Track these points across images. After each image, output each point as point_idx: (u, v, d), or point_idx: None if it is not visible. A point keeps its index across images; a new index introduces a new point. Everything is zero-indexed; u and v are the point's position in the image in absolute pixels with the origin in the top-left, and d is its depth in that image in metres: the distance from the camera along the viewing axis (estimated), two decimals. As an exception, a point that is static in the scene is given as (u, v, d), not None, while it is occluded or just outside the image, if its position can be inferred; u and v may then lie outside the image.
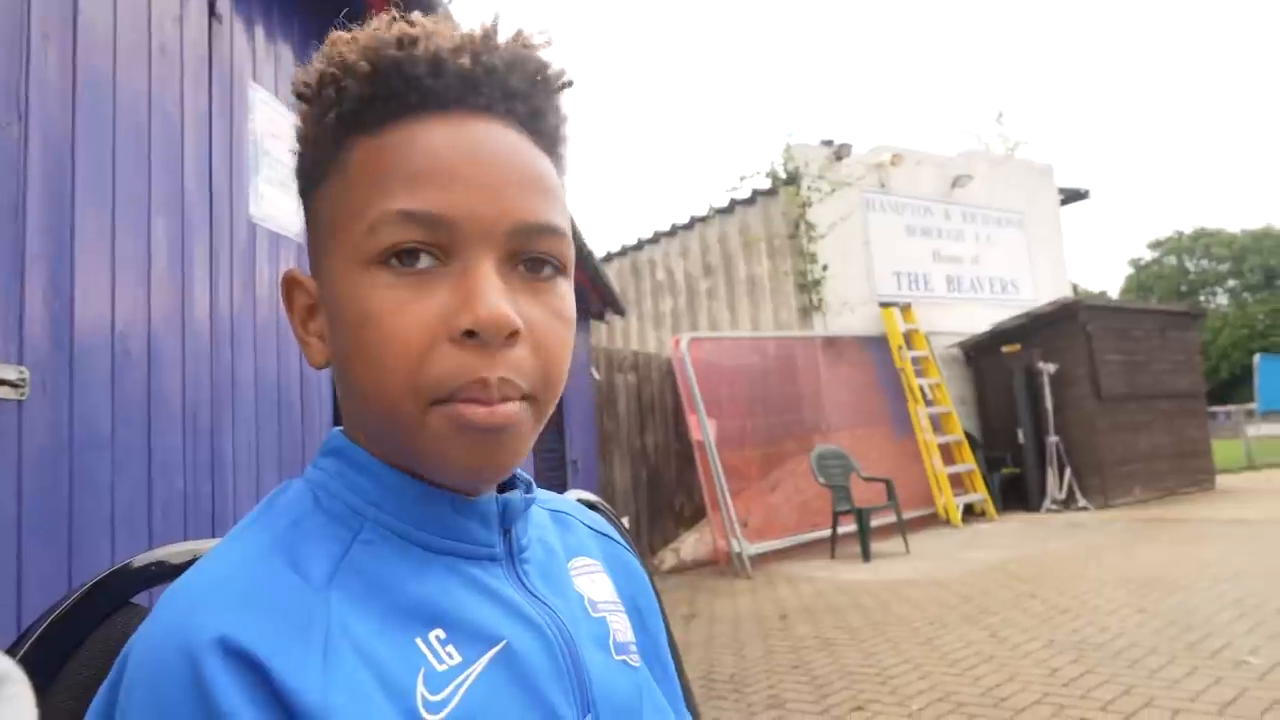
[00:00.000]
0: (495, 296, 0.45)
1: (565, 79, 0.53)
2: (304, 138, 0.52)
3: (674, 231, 10.80)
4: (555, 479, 5.85)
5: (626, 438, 7.62)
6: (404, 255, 0.46)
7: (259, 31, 2.60)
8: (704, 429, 7.16)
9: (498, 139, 0.48)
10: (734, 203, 9.90)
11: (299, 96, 0.51)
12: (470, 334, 0.45)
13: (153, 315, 1.92)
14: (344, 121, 0.49)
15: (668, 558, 7.34)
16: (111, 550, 1.67)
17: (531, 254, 0.48)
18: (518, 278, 0.48)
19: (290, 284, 0.54)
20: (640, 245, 11.40)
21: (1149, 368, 9.68)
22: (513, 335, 0.46)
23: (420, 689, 0.44)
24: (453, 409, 0.45)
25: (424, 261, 0.46)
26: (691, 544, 7.51)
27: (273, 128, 2.60)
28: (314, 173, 0.51)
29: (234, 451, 2.21)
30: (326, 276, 0.50)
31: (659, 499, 7.86)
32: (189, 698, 0.39)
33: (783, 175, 9.32)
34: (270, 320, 2.46)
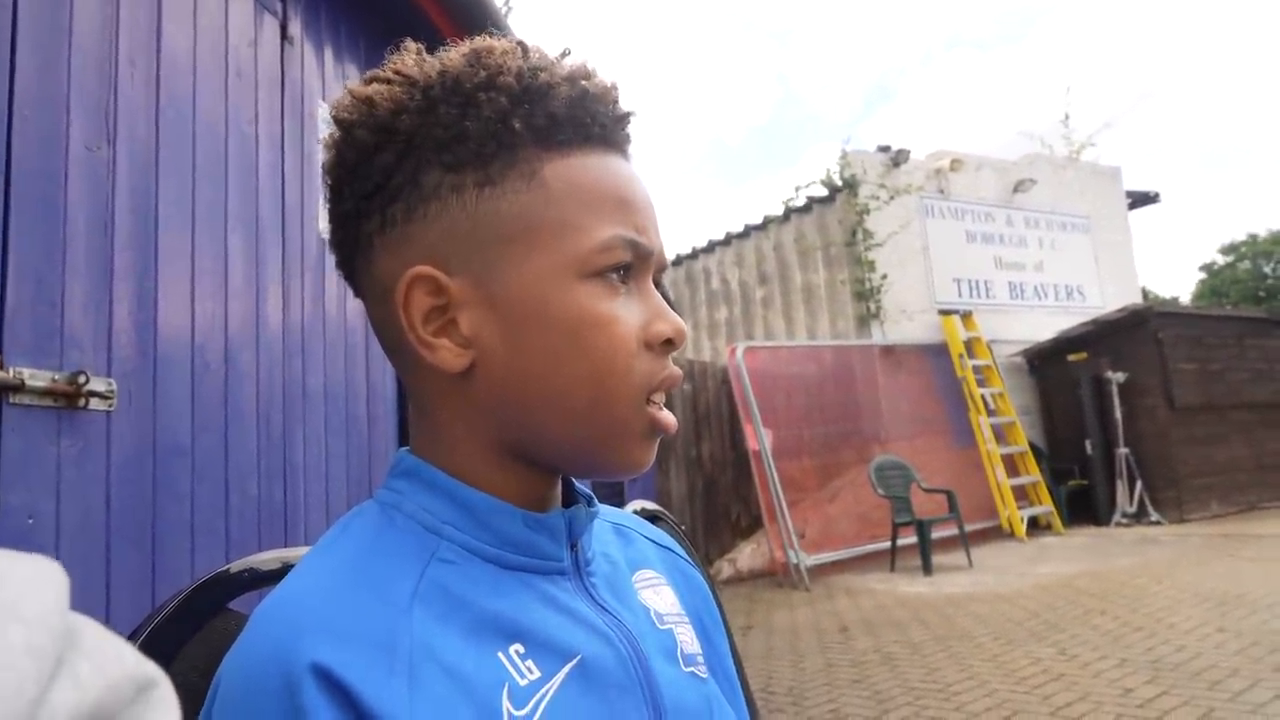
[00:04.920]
0: (677, 315, 0.54)
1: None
2: (457, 133, 0.50)
3: (729, 240, 10.78)
4: (612, 489, 5.87)
5: (682, 447, 7.61)
6: (614, 272, 0.52)
7: (328, 53, 2.68)
8: (760, 438, 7.11)
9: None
10: (789, 211, 9.84)
11: (432, 89, 0.50)
12: (668, 342, 0.53)
13: (229, 328, 1.99)
14: (533, 134, 0.50)
15: (724, 568, 7.30)
16: (191, 554, 1.73)
17: (659, 283, 0.56)
18: None
19: (414, 281, 0.50)
20: (695, 254, 11.40)
21: (1226, 377, 9.30)
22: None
23: (505, 703, 0.45)
24: (654, 413, 0.52)
25: (619, 280, 0.52)
26: (748, 554, 7.45)
27: (341, 145, 2.68)
28: (466, 169, 0.50)
29: (305, 459, 2.27)
30: (511, 281, 0.50)
31: (715, 509, 7.83)
32: None
33: (839, 183, 9.23)
34: (339, 333, 2.53)
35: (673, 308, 0.55)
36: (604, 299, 0.50)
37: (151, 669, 0.25)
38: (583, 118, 0.51)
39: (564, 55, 0.54)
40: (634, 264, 0.52)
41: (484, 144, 0.50)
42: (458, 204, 0.50)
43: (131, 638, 0.57)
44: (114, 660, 0.23)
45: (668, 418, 0.53)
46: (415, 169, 0.50)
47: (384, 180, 0.50)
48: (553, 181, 0.50)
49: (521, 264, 0.50)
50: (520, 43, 0.53)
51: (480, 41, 0.52)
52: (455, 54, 0.52)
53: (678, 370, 0.54)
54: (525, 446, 0.52)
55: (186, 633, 0.60)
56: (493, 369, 0.50)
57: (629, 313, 0.51)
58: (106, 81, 1.64)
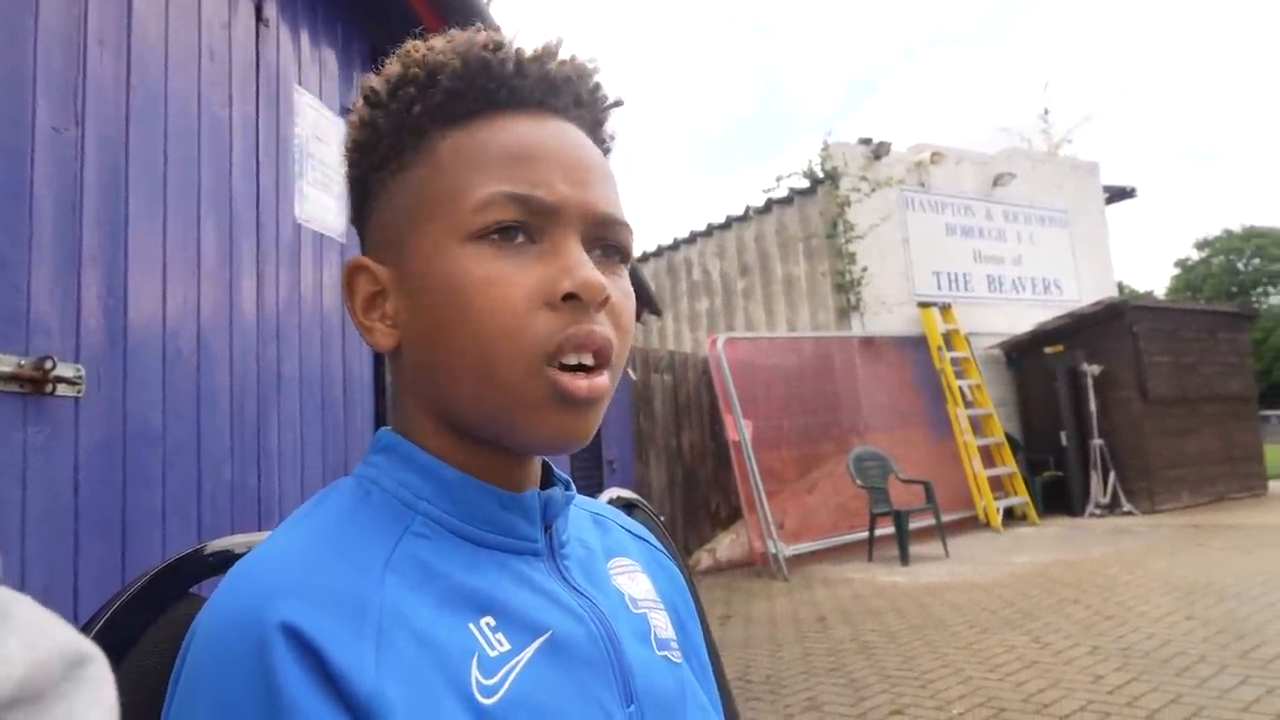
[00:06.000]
0: (591, 268, 0.50)
1: (616, 99, 0.58)
2: (381, 133, 0.54)
3: (710, 232, 10.78)
4: (592, 478, 5.87)
5: (663, 437, 7.62)
6: (503, 231, 0.50)
7: (304, 36, 2.65)
8: (740, 429, 7.13)
9: (578, 136, 0.54)
10: (771, 203, 9.85)
11: (369, 99, 0.54)
12: (570, 297, 0.49)
13: (202, 313, 1.96)
14: (430, 114, 0.52)
15: (703, 558, 7.33)
16: (163, 541, 1.71)
17: (607, 241, 0.53)
18: (595, 260, 0.52)
19: (354, 271, 0.55)
20: (676, 246, 11.39)
21: (1198, 370, 9.44)
22: (604, 302, 0.50)
23: (474, 672, 0.45)
24: (556, 376, 0.49)
25: (518, 238, 0.50)
26: (727, 545, 7.49)
27: (317, 130, 2.65)
28: (388, 164, 0.54)
29: (279, 446, 2.25)
30: (411, 257, 0.52)
31: (695, 499, 7.85)
32: (255, 683, 0.40)
33: (820, 174, 9.25)
34: (314, 319, 2.50)
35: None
36: (486, 260, 0.49)
37: (85, 645, 0.24)
38: (484, 84, 0.52)
39: (477, 31, 0.55)
40: (531, 220, 0.50)
41: (397, 137, 0.53)
42: (384, 197, 0.54)
43: (93, 620, 0.56)
44: (44, 637, 0.23)
45: (572, 382, 0.49)
46: (363, 177, 0.55)
47: (354, 195, 0.57)
48: (444, 153, 0.52)
49: (419, 238, 0.52)
50: (450, 35, 0.55)
51: (408, 45, 0.55)
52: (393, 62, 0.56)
53: (594, 328, 0.49)
54: (454, 418, 0.53)
55: (151, 616, 0.59)
56: (411, 344, 0.53)
57: (519, 272, 0.49)
58: (74, 61, 1.61)
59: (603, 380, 0.50)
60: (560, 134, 0.53)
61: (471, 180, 0.50)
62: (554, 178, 0.51)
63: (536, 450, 0.53)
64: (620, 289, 0.53)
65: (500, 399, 0.49)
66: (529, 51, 0.54)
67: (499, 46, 0.53)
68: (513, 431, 0.51)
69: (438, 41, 0.54)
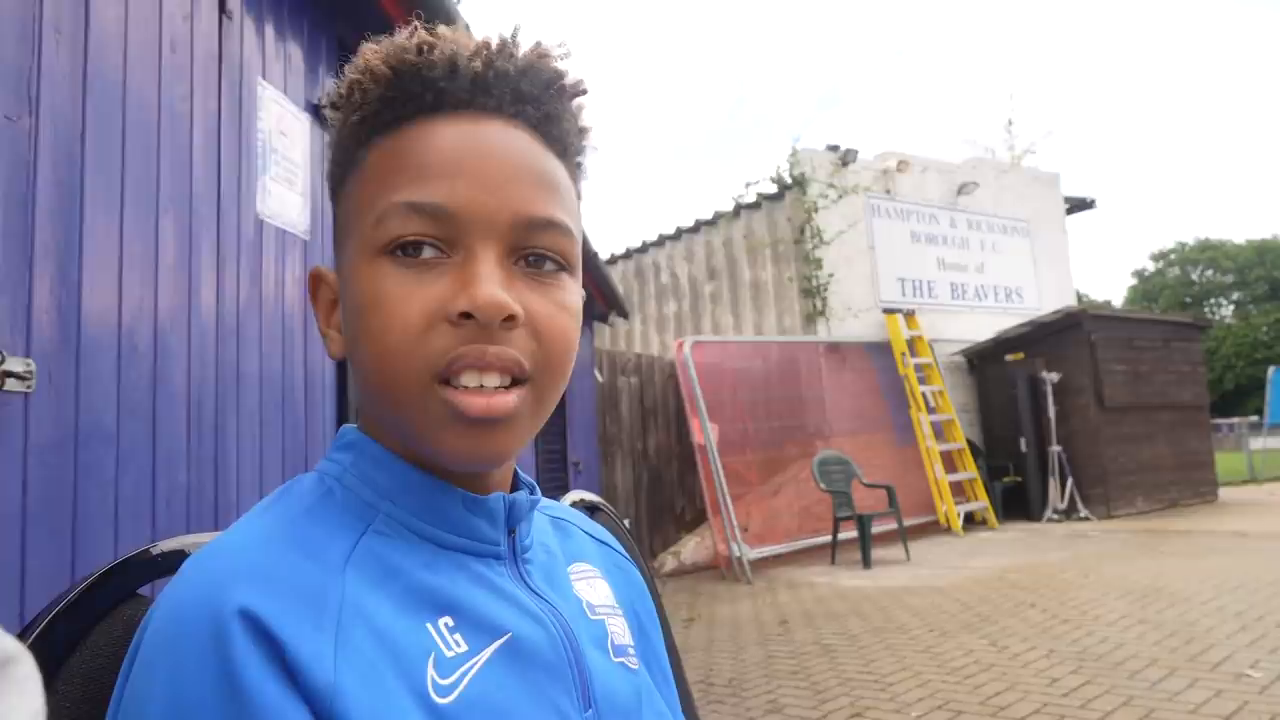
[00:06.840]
0: (492, 283, 0.47)
1: (580, 87, 0.55)
2: (334, 143, 0.55)
3: (678, 235, 10.81)
4: (557, 480, 5.85)
5: (629, 440, 7.62)
6: (409, 247, 0.48)
7: (269, 30, 2.61)
8: (706, 432, 7.15)
9: (504, 137, 0.51)
10: (739, 207, 9.91)
11: (331, 105, 0.54)
12: (467, 316, 0.46)
13: (159, 310, 1.93)
14: (366, 123, 0.52)
15: (668, 561, 7.33)
16: (115, 542, 1.68)
17: (533, 248, 0.50)
18: (519, 271, 0.50)
19: (315, 279, 0.57)
20: (645, 248, 11.40)
21: (1153, 378, 9.66)
22: (509, 319, 0.47)
23: (431, 671, 0.45)
24: (450, 395, 0.47)
25: (427, 253, 0.48)
26: (692, 548, 7.50)
27: (281, 125, 2.61)
28: (338, 174, 0.55)
29: (238, 446, 2.21)
30: (342, 269, 0.53)
31: (660, 502, 7.86)
32: (212, 669, 0.39)
33: (789, 180, 9.32)
34: (275, 317, 2.46)
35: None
36: (386, 277, 0.48)
37: (11, 645, 0.23)
38: (412, 89, 0.50)
39: (413, 33, 0.53)
40: (440, 231, 0.48)
41: (346, 151, 0.53)
42: (337, 208, 0.55)
43: (35, 622, 0.55)
44: None
45: (466, 400, 0.47)
46: (332, 189, 0.57)
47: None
48: (370, 163, 0.51)
49: (347, 251, 0.52)
50: (385, 40, 0.54)
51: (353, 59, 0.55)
52: None
53: (489, 348, 0.47)
54: (384, 428, 0.53)
55: (96, 618, 0.57)
56: (348, 354, 0.53)
57: (421, 288, 0.47)
58: (29, 48, 1.57)
59: (508, 399, 0.48)
60: (480, 135, 0.50)
61: (380, 191, 0.49)
62: (461, 183, 0.48)
63: (449, 467, 0.50)
64: (550, 299, 0.50)
65: (403, 415, 0.49)
66: (467, 50, 0.51)
67: (430, 48, 0.50)
68: (421, 447, 0.50)
69: (373, 47, 0.52)
